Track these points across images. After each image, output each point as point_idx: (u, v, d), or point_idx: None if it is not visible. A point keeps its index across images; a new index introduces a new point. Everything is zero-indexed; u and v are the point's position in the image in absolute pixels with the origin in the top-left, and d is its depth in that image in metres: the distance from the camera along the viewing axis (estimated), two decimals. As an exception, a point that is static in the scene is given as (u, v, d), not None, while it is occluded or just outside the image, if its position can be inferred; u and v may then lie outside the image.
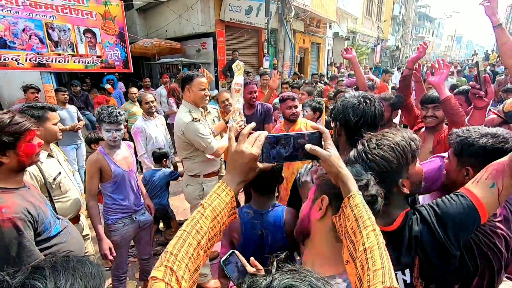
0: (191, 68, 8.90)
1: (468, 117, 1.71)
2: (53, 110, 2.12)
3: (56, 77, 6.55)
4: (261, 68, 8.06)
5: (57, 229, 1.55)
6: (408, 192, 0.96)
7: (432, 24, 51.11)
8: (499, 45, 1.77)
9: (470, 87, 2.38)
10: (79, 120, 4.73)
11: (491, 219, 1.07)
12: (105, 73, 7.47)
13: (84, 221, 2.30)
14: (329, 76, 12.62)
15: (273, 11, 9.43)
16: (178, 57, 9.28)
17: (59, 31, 4.75)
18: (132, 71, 5.91)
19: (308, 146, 0.78)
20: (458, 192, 0.95)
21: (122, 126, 2.19)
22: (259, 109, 3.40)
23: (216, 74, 8.85)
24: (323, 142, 0.80)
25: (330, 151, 0.78)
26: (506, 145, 1.03)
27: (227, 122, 2.72)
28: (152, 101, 3.16)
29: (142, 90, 6.70)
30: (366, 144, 0.97)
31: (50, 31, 4.65)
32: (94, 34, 5.20)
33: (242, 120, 2.65)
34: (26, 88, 4.52)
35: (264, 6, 8.27)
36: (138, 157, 3.08)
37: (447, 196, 0.97)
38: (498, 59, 16.95)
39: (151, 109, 3.11)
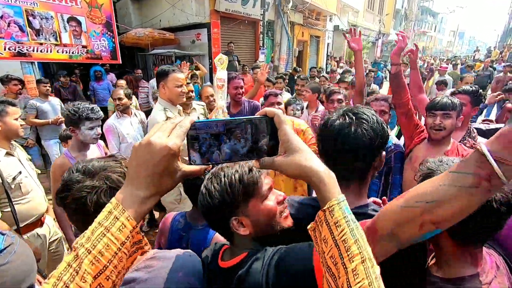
0: (186, 60, 8.65)
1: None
2: (13, 105, 1.97)
3: (42, 67, 6.31)
4: (257, 61, 7.82)
5: None
6: (247, 232, 0.75)
7: (435, 18, 50.42)
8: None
9: (476, 88, 2.16)
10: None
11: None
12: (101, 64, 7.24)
13: (51, 223, 2.15)
14: (327, 70, 12.41)
15: (270, 2, 9.15)
16: (172, 48, 9.02)
17: (41, 18, 4.52)
18: (121, 62, 5.71)
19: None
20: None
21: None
22: (245, 107, 3.21)
23: (210, 66, 8.61)
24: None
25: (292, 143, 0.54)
26: None
27: None
28: (120, 98, 2.90)
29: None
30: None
31: (31, 18, 4.42)
32: (79, 23, 4.97)
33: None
34: (7, 80, 4.31)
35: (261, -4, 8.00)
36: None
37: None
38: (500, 56, 16.71)
39: (118, 107, 2.90)
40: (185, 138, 0.51)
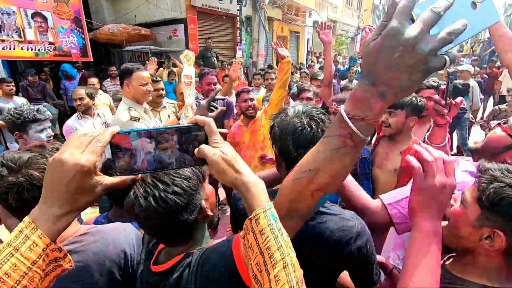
0: (162, 57, 8.46)
1: (428, 133, 1.47)
2: None
3: (7, 66, 5.98)
4: (235, 58, 7.76)
5: None
6: (212, 214, 0.74)
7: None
8: (494, 39, 1.48)
9: (439, 84, 2.17)
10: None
11: None
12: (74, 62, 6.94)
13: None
14: (307, 66, 12.53)
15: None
16: (149, 44, 8.79)
17: (2, 14, 4.28)
18: (92, 60, 5.51)
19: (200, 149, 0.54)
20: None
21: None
22: (219, 104, 3.20)
23: (188, 63, 8.48)
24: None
25: (218, 150, 0.54)
26: None
27: (179, 119, 2.50)
28: (82, 98, 2.79)
29: (109, 79, 6.26)
30: None
31: (-10, 13, 4.18)
32: (44, 18, 4.74)
33: None
34: None
35: (238, -9, 7.93)
36: None
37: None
38: (471, 51, 17.44)
39: (80, 107, 2.80)
40: (107, 150, 0.51)
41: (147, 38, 8.89)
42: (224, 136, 2.38)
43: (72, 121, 2.74)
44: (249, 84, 6.92)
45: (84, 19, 5.26)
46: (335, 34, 19.32)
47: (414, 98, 1.76)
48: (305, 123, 0.87)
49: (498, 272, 0.71)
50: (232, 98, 3.50)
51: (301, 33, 15.46)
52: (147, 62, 4.20)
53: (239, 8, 7.72)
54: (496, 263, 0.71)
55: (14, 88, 4.24)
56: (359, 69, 10.19)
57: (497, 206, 0.65)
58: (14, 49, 4.44)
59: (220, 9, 8.77)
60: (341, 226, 0.83)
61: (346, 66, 8.86)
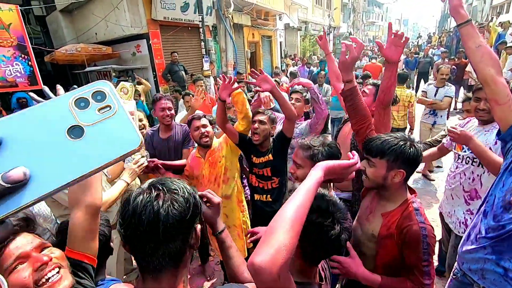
0: (126, 75, 8.06)
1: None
2: None
3: None
4: (199, 74, 7.44)
5: None
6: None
7: (381, 9, 53.35)
8: (468, 51, 1.27)
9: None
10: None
11: None
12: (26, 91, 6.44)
13: None
14: (283, 69, 12.36)
15: (211, 6, 8.85)
16: (113, 63, 8.37)
17: None
18: (42, 87, 5.06)
19: None
20: None
21: None
22: (177, 132, 2.89)
23: (155, 79, 8.12)
24: None
25: None
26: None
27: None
28: None
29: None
30: None
31: None
32: (-19, 48, 4.31)
33: (143, 157, 2.11)
34: None
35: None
36: None
37: None
38: (439, 41, 17.91)
39: None
40: None
41: (111, 56, 8.48)
42: (181, 168, 2.03)
43: None
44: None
45: (30, 45, 4.84)
46: (307, 36, 19.43)
47: (403, 144, 1.24)
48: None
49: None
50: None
51: (273, 37, 15.37)
52: (114, 82, 3.82)
53: (200, 19, 7.44)
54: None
55: None
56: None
57: None
58: None
59: (184, 20, 8.48)
60: None
61: (318, 69, 8.75)
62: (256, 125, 2.14)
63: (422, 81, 10.20)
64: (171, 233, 0.66)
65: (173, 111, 2.91)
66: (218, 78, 2.89)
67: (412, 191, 1.37)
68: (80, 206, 0.96)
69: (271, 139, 2.22)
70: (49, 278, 0.82)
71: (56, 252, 0.89)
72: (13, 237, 0.82)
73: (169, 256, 0.68)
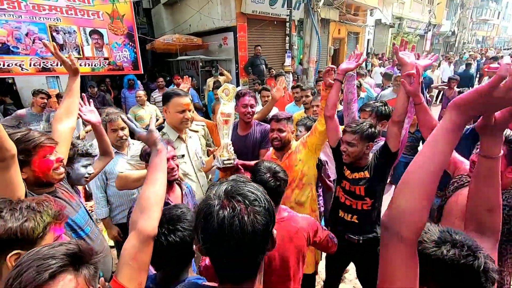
0: (211, 66, 8.52)
1: None
2: None
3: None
4: (282, 69, 7.29)
5: None
6: None
7: (498, 4, 44.41)
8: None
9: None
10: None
11: None
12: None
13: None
14: (368, 69, 11.35)
15: (300, 0, 8.60)
16: (201, 53, 8.96)
17: (64, 33, 4.62)
18: (142, 72, 5.69)
19: None
20: None
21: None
22: (255, 130, 2.79)
23: (237, 71, 8.36)
24: None
25: None
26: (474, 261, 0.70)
27: (214, 157, 2.16)
28: (122, 128, 2.41)
29: (157, 90, 6.46)
30: None
31: (54, 34, 4.53)
32: (101, 35, 5.01)
33: (229, 160, 2.02)
34: (36, 93, 4.46)
35: (290, -5, 7.48)
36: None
37: None
38: None
39: (120, 140, 2.45)
40: None
41: (201, 47, 9.07)
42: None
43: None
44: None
45: (137, 34, 5.44)
46: (400, 34, 17.46)
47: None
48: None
49: None
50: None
51: (360, 34, 14.26)
52: (181, 79, 4.00)
53: (288, 13, 7.27)
54: None
55: (46, 102, 4.35)
56: (429, 74, 8.81)
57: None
58: (73, 65, 4.76)
59: (271, 14, 8.45)
60: None
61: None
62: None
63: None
64: (256, 246, 0.68)
65: (255, 109, 2.82)
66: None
67: None
68: (134, 228, 0.92)
69: (370, 154, 1.90)
70: None
71: None
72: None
73: (254, 264, 0.71)
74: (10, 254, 0.86)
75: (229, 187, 0.70)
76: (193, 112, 2.59)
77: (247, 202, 0.67)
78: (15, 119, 4.43)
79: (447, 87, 6.23)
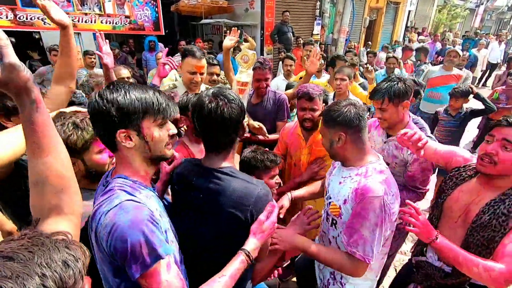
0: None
1: None
2: None
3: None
4: (308, 38, 6.78)
5: None
6: None
7: None
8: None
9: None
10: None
11: None
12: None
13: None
14: (405, 45, 10.35)
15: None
16: (226, 17, 8.55)
17: (85, -13, 4.48)
18: (163, 34, 5.50)
19: None
20: None
21: None
22: (269, 98, 2.59)
23: (262, 38, 7.93)
24: None
25: None
26: None
27: None
28: (128, 79, 2.48)
29: (178, 54, 6.30)
30: None
31: (76, -13, 4.40)
32: (122, -9, 4.82)
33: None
34: (52, 49, 4.56)
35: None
36: None
37: None
38: None
39: None
40: None
41: (226, 10, 8.63)
42: (272, 142, 1.68)
43: None
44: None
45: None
46: (447, 6, 15.75)
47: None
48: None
49: None
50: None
51: (401, 4, 12.93)
52: (225, 33, 3.85)
53: (323, -25, 6.62)
54: None
55: (95, 60, 4.56)
56: (475, 53, 7.83)
57: None
58: (94, 22, 4.67)
59: (304, -24, 7.78)
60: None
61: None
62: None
63: None
64: (231, 127, 1.03)
65: (269, 81, 2.60)
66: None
67: None
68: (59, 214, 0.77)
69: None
70: None
71: None
72: None
73: (229, 140, 1.07)
74: None
75: (215, 91, 1.04)
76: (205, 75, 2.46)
77: (226, 100, 1.02)
78: (39, 76, 4.53)
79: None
